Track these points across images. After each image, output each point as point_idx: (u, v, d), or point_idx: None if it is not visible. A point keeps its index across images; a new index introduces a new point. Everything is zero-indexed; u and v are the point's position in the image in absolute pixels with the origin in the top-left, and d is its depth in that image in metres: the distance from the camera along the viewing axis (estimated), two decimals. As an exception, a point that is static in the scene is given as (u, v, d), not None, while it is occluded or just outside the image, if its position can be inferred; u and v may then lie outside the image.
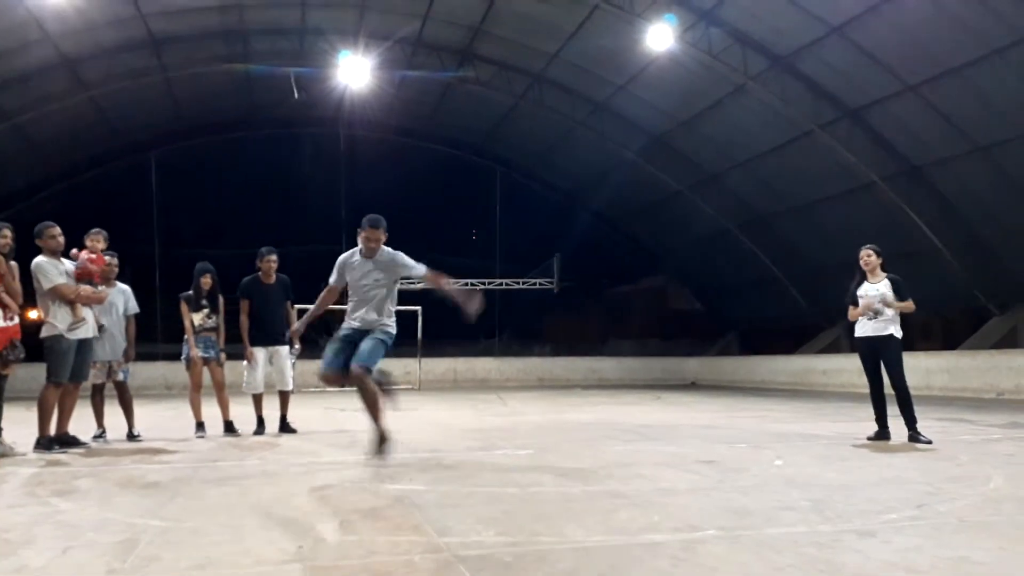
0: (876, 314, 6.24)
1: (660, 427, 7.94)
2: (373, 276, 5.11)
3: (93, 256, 6.23)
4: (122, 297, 6.85)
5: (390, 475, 4.61)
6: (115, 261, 6.79)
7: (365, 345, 4.97)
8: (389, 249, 5.17)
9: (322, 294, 5.38)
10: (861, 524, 3.19)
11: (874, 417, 6.34)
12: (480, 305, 5.02)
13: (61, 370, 5.85)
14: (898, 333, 6.26)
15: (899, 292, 6.25)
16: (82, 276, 6.07)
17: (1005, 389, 13.10)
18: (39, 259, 5.89)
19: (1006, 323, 15.85)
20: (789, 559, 2.65)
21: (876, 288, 6.31)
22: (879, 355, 6.26)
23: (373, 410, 4.94)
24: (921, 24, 12.71)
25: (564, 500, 3.81)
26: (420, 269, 5.17)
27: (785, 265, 20.78)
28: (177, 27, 16.91)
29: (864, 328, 6.35)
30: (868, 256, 6.41)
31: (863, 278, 6.46)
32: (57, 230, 5.96)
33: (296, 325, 5.89)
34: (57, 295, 5.84)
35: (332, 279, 5.32)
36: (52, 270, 5.86)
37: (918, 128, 14.76)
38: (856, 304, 6.43)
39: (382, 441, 4.92)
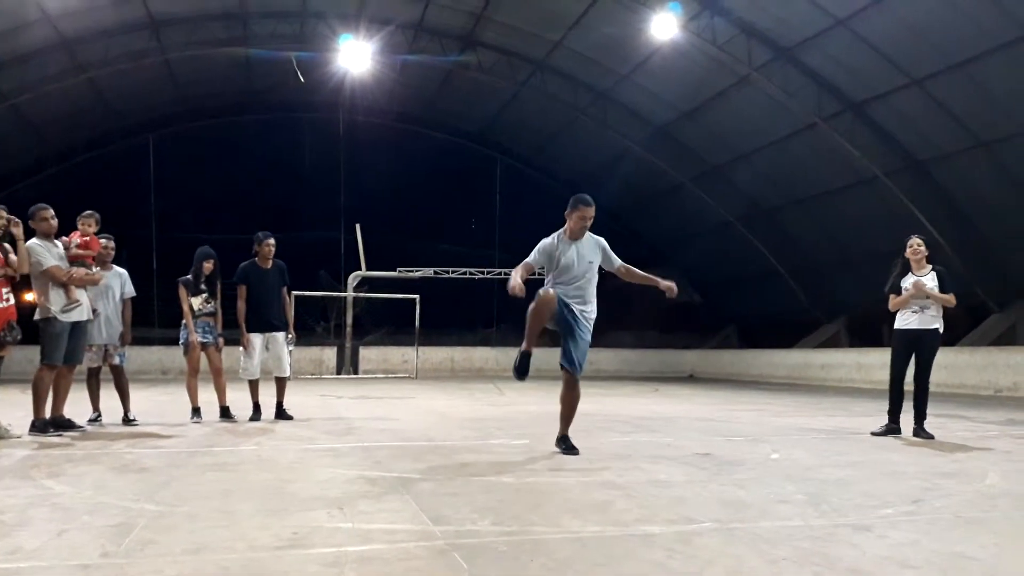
0: (923, 308, 6.10)
1: (657, 419, 7.95)
2: (588, 259, 5.02)
3: (86, 239, 6.19)
4: (119, 280, 6.82)
5: (385, 463, 4.61)
6: (111, 244, 6.75)
7: (584, 350, 4.98)
8: (591, 233, 5.11)
9: (520, 270, 4.87)
10: (857, 518, 3.18)
11: (888, 410, 6.29)
12: (672, 286, 5.03)
13: (55, 352, 5.83)
14: (942, 328, 6.15)
15: (944, 285, 6.14)
16: (76, 258, 6.04)
17: (1003, 386, 13.13)
18: (32, 242, 5.86)
19: (1005, 320, 15.87)
20: (784, 552, 2.65)
21: (924, 280, 6.17)
22: (919, 347, 6.13)
23: (572, 413, 5.04)
24: (926, 18, 12.62)
25: (560, 490, 3.80)
26: (617, 261, 5.16)
27: (786, 259, 20.77)
28: (177, 8, 16.77)
29: (909, 320, 6.18)
30: (919, 246, 6.21)
31: (906, 268, 6.28)
32: (50, 212, 5.92)
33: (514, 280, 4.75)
34: (50, 277, 5.81)
35: (532, 258, 4.98)
36: (44, 253, 5.83)
37: (922, 123, 14.70)
38: (899, 294, 6.27)
39: (567, 443, 5.02)
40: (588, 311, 5.04)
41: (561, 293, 4.95)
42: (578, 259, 5.01)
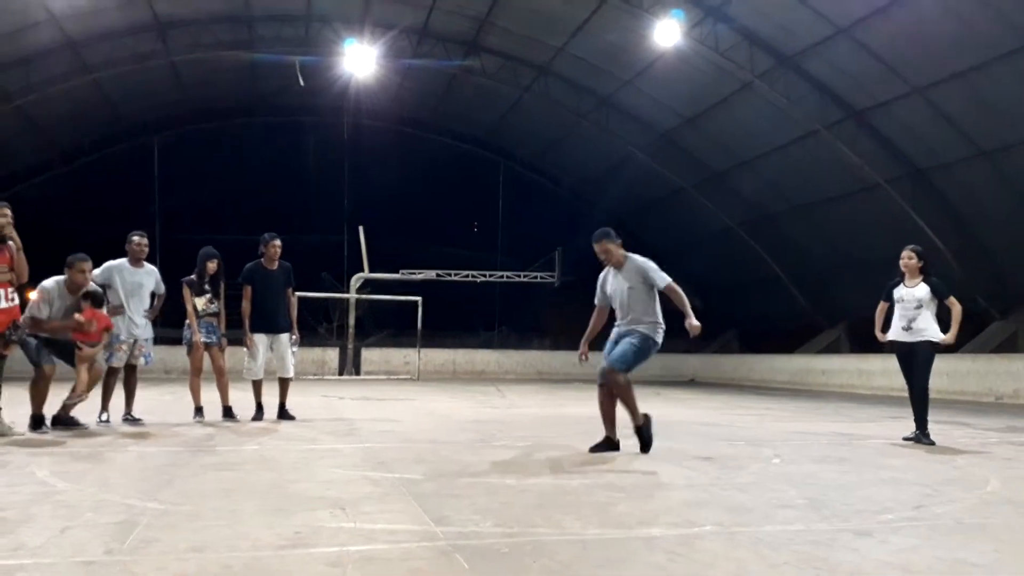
0: (911, 321, 6.08)
1: (658, 423, 7.90)
2: (626, 284, 5.35)
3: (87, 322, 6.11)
4: (151, 278, 6.91)
5: (387, 464, 4.62)
6: (144, 241, 6.89)
7: (619, 348, 5.28)
8: (638, 258, 5.42)
9: (593, 316, 5.65)
10: (858, 523, 3.19)
11: (914, 419, 6.30)
12: (696, 331, 5.32)
13: (38, 356, 5.90)
14: (934, 337, 6.06)
15: (938, 293, 6.10)
16: (85, 338, 6.05)
17: (1003, 393, 13.12)
18: (48, 281, 5.96)
19: (1007, 328, 15.87)
20: (785, 556, 2.65)
21: (912, 292, 6.14)
22: (911, 359, 6.15)
23: (626, 405, 5.31)
24: (929, 27, 12.64)
25: (561, 493, 3.81)
26: (663, 282, 5.36)
27: (787, 264, 20.78)
28: (182, 11, 16.85)
29: (899, 334, 6.20)
30: (909, 259, 6.19)
31: (902, 279, 6.28)
32: (88, 264, 6.05)
33: (582, 348, 5.61)
34: (34, 326, 5.86)
35: (597, 298, 5.60)
36: (41, 303, 5.87)
37: (923, 131, 14.72)
38: (889, 301, 6.32)
39: (641, 432, 5.30)
40: (634, 323, 5.36)
41: (617, 324, 5.41)
42: (618, 285, 5.38)
